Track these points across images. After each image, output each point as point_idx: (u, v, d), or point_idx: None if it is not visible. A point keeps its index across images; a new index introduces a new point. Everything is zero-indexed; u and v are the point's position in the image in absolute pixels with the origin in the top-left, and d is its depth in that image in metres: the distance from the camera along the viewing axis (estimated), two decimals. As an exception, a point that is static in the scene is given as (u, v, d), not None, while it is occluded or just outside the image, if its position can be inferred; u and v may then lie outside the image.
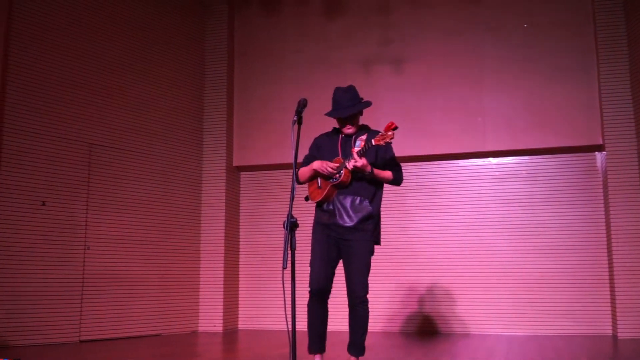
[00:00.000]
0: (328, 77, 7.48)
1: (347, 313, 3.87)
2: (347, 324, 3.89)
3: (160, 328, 7.13)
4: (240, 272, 7.98)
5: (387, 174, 3.92)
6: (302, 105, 3.55)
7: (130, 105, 7.11)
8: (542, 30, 7.19)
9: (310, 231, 3.97)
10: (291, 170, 4.13)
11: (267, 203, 8.00)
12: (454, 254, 7.23)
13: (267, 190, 8.06)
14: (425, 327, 7.17)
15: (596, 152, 7.05)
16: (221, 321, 7.48)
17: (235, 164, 8.01)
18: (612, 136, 6.72)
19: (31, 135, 6.17)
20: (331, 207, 3.86)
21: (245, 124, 8.06)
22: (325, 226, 3.88)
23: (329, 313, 3.92)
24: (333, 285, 3.89)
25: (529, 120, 7.08)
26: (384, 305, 7.22)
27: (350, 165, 3.72)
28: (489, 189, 7.30)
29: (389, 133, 3.63)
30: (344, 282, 3.86)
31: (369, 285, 3.83)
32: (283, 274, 3.37)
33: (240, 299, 7.93)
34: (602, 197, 6.93)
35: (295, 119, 3.54)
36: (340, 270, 3.89)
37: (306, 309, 3.87)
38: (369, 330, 3.92)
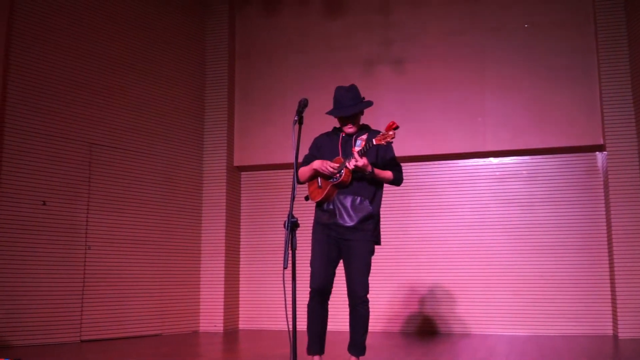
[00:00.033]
0: (328, 77, 7.48)
1: (348, 313, 3.88)
2: (348, 324, 3.89)
3: (161, 328, 7.14)
4: (240, 272, 7.98)
5: (388, 174, 3.91)
6: (302, 105, 3.55)
7: (131, 105, 7.11)
8: (543, 30, 7.19)
9: (311, 231, 3.96)
10: (292, 170, 4.13)
11: (267, 203, 8.00)
12: (454, 254, 7.24)
13: (267, 190, 8.06)
14: (426, 327, 7.17)
15: (597, 152, 7.05)
16: (222, 321, 7.49)
17: (236, 163, 8.01)
18: (612, 136, 6.72)
19: (32, 135, 6.17)
20: (331, 206, 3.86)
21: (246, 124, 8.06)
22: (325, 226, 3.87)
23: (329, 313, 3.92)
24: (333, 285, 3.89)
25: (529, 120, 7.08)
26: (385, 305, 7.22)
27: (350, 164, 3.71)
28: (489, 189, 7.30)
29: (390, 133, 3.61)
30: (344, 282, 3.86)
31: (370, 285, 3.84)
32: (284, 274, 3.38)
33: (240, 299, 7.93)
34: (602, 197, 6.93)
35: (296, 119, 3.54)
36: (340, 270, 3.89)
37: (306, 309, 3.87)
38: (369, 330, 3.92)
